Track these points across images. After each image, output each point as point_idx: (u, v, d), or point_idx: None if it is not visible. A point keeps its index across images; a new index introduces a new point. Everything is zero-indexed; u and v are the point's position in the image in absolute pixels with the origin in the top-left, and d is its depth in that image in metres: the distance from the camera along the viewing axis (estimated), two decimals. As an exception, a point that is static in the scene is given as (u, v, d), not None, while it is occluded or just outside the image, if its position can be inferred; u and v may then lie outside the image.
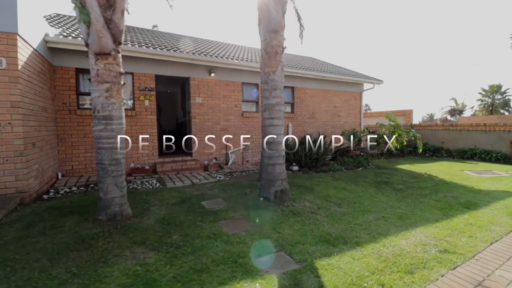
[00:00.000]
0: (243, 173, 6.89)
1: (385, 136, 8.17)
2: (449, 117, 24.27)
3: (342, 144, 8.76)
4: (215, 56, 7.29)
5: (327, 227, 3.36)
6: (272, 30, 4.14)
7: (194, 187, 5.24)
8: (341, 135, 8.89)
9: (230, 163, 7.84)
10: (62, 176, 5.91)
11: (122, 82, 3.48)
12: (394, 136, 8.39)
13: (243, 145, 8.19)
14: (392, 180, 6.25)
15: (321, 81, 9.74)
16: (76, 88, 6.02)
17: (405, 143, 8.47)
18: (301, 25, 5.54)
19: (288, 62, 9.75)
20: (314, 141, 8.09)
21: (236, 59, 7.63)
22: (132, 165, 6.44)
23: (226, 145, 7.89)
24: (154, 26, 11.38)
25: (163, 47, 6.71)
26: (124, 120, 3.54)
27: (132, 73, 6.54)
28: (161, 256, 2.58)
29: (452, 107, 24.42)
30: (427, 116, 49.01)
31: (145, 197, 4.48)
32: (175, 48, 6.93)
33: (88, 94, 6.22)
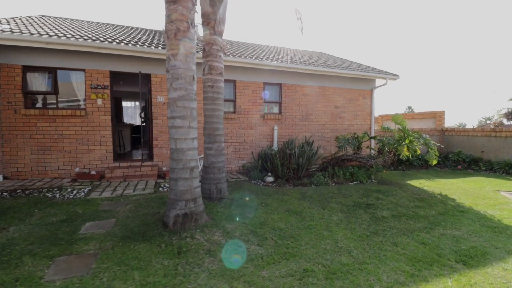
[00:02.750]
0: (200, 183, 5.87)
1: (388, 143, 6.43)
2: (505, 121, 19.98)
3: (337, 152, 7.20)
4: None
5: (194, 285, 2.19)
6: (171, 0, 3.10)
7: (115, 200, 4.40)
8: (336, 139, 7.34)
9: (199, 169, 6.88)
10: (5, 178, 5.58)
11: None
12: (404, 143, 6.62)
13: (215, 150, 7.17)
14: (382, 203, 4.66)
15: (318, 77, 8.28)
16: (22, 87, 5.67)
17: (419, 151, 6.60)
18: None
19: (273, 54, 8.51)
20: (302, 147, 6.75)
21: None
22: (77, 169, 5.88)
23: (195, 150, 6.97)
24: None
25: (111, 40, 6.07)
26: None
27: (83, 70, 6.03)
28: None
29: (510, 110, 19.97)
30: (483, 119, 42.29)
31: (28, 210, 3.76)
32: (127, 41, 6.25)
33: (37, 93, 5.87)
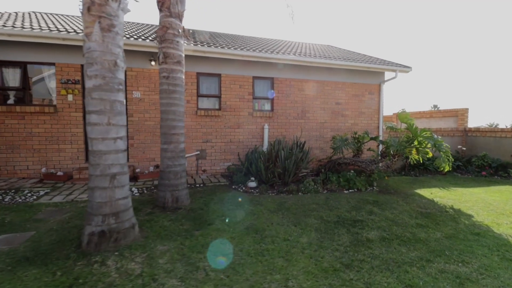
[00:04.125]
0: (187, 186, 5.28)
1: (392, 145, 5.46)
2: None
3: (333, 154, 6.31)
4: (150, 40, 5.89)
5: None
6: (83, -35, 2.49)
7: (60, 206, 3.90)
8: (332, 140, 6.45)
9: (178, 172, 6.32)
10: (-29, 178, 5.34)
11: None
12: (413, 145, 5.63)
13: (197, 150, 6.58)
14: (374, 219, 3.79)
15: (316, 70, 7.40)
16: (-10, 82, 5.40)
17: (430, 154, 5.56)
18: None
19: (265, 46, 7.73)
20: (291, 149, 5.97)
21: (190, 43, 6.08)
22: (43, 170, 5.52)
23: (174, 150, 6.40)
24: None
25: (80, 31, 5.62)
26: None
27: (53, 64, 5.65)
28: None
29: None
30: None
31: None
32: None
33: (5, 89, 5.57)
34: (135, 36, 5.91)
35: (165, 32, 3.70)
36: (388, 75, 8.00)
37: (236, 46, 6.71)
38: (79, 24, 6.70)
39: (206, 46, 6.15)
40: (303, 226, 3.44)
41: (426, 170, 7.86)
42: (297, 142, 6.20)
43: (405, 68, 7.52)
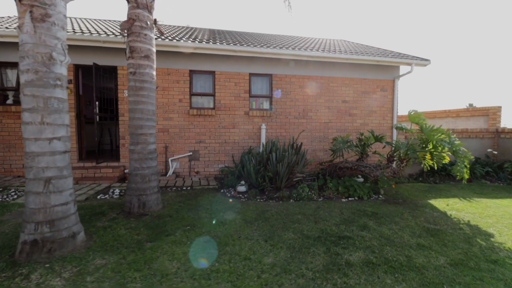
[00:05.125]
0: (167, 189, 5.05)
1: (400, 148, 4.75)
2: None
3: (334, 157, 5.72)
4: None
5: None
6: None
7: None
8: (333, 141, 5.84)
9: (170, 173, 6.12)
10: (-29, 176, 5.54)
11: None
12: (427, 149, 4.91)
13: (190, 151, 6.32)
14: (365, 236, 3.23)
15: (319, 65, 6.82)
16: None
17: (447, 159, 4.78)
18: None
19: (263, 41, 7.28)
20: (284, 151, 5.50)
21: (181, 40, 5.83)
22: (35, 169, 5.58)
23: (166, 151, 6.21)
24: None
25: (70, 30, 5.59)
26: None
27: (46, 64, 5.69)
28: None
29: None
30: None
31: None
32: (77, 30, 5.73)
33: (4, 89, 5.72)
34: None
35: (132, 25, 3.43)
36: (403, 69, 7.17)
37: (230, 42, 6.35)
38: (80, 26, 6.75)
39: (196, 42, 5.85)
40: (275, 241, 2.97)
41: (449, 176, 6.92)
42: (292, 143, 5.69)
43: (422, 61, 6.65)
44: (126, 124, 6.00)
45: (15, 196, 4.33)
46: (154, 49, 3.64)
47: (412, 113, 4.72)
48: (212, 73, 6.36)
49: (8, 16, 7.48)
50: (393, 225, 3.61)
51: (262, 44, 6.44)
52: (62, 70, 2.47)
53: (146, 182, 3.58)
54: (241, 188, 5.19)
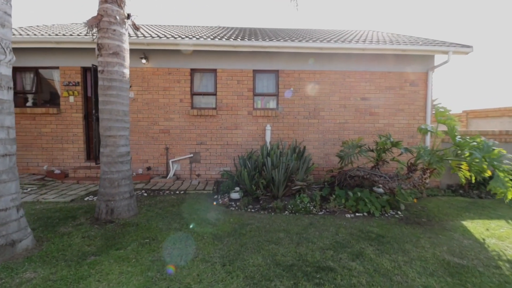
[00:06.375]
0: (159, 192, 4.89)
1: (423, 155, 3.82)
2: None
3: (342, 165, 4.94)
4: (145, 36, 5.63)
5: None
6: None
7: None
8: (342, 145, 5.05)
9: (170, 175, 5.97)
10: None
11: None
12: (463, 156, 3.94)
13: (190, 153, 6.09)
14: (353, 268, 2.56)
15: (334, 58, 6.03)
16: (10, 86, 6.01)
17: (489, 173, 3.72)
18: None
19: (272, 34, 6.68)
20: (281, 155, 4.95)
21: (174, 36, 5.63)
22: (45, 167, 5.87)
23: (167, 153, 6.07)
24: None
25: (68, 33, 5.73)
26: None
27: (57, 67, 5.97)
28: None
29: None
30: None
31: None
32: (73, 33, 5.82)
33: (22, 92, 6.15)
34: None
35: (100, 21, 3.24)
36: (438, 59, 5.98)
37: (230, 37, 5.94)
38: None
39: (194, 39, 5.56)
40: (235, 267, 2.48)
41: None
42: (294, 147, 5.06)
43: (463, 48, 5.42)
44: (130, 125, 6.00)
45: (16, 194, 4.51)
46: (125, 46, 3.41)
47: (439, 110, 3.76)
48: (214, 71, 6.04)
49: (30, 26, 8.14)
50: (399, 254, 2.83)
51: (265, 38, 5.91)
52: (2, 69, 2.33)
53: (115, 187, 3.37)
54: (235, 195, 4.77)
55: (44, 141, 6.02)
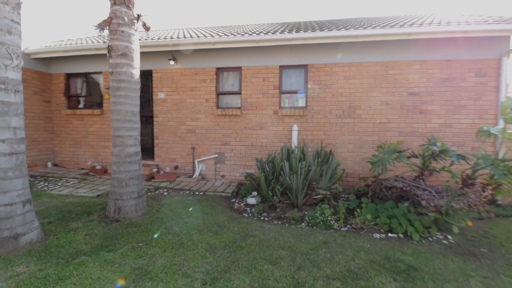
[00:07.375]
0: (179, 192, 4.94)
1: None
2: None
3: (377, 173, 4.16)
4: (171, 37, 5.74)
5: None
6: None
7: (54, 198, 4.29)
8: (377, 150, 4.25)
9: (196, 175, 6.00)
10: (54, 165, 6.97)
11: None
12: None
13: (215, 153, 6.01)
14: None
15: (375, 47, 5.19)
16: (65, 91, 6.83)
17: None
18: None
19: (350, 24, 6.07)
20: (300, 160, 4.47)
21: (198, 35, 5.59)
22: (89, 163, 6.51)
23: (193, 152, 6.11)
24: None
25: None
26: None
27: (101, 72, 6.55)
28: None
29: None
30: None
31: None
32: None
33: (75, 96, 6.94)
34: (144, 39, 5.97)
35: (109, 23, 3.31)
36: (519, 40, 4.60)
37: (253, 32, 5.62)
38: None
39: (216, 36, 5.43)
40: None
41: None
42: (319, 150, 4.49)
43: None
44: (159, 124, 6.25)
45: (57, 186, 5.07)
46: (133, 46, 3.43)
47: (505, 102, 2.78)
48: (239, 69, 5.82)
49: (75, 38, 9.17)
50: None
51: (290, 30, 5.41)
52: (8, 73, 2.49)
53: (123, 186, 3.41)
54: (251, 200, 4.48)
55: (90, 139, 6.69)
